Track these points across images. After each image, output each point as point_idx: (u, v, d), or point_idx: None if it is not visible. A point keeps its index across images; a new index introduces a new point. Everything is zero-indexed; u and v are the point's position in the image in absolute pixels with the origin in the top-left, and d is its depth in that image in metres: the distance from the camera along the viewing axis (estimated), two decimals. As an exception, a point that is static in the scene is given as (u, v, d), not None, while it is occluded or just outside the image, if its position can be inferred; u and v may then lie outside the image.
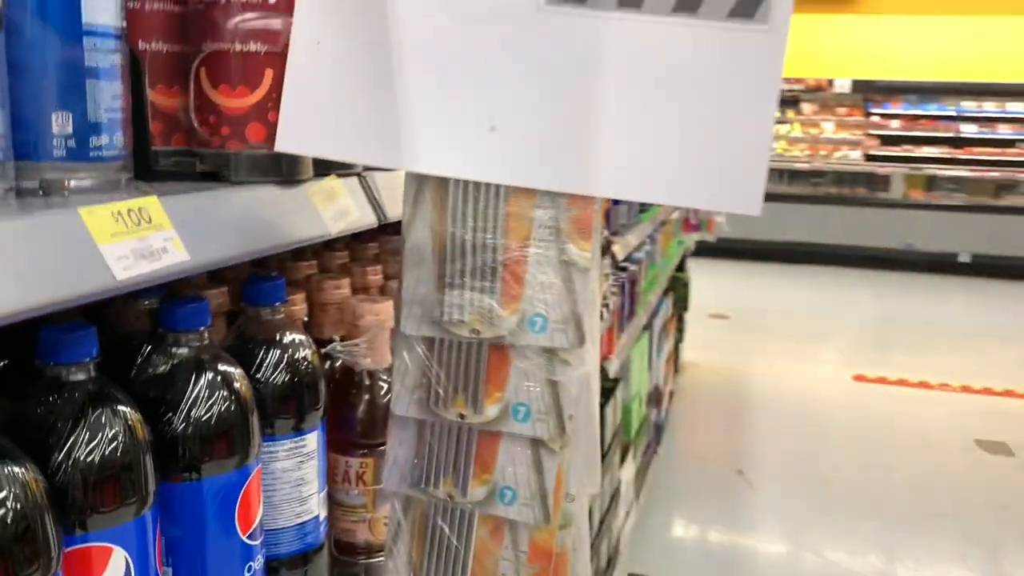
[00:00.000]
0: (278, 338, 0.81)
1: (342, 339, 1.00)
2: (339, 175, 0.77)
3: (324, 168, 0.76)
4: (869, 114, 9.53)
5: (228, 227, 0.62)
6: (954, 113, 9.38)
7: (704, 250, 5.57)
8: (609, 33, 0.67)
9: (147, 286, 0.52)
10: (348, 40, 0.68)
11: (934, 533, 3.33)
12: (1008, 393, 4.96)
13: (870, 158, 9.26)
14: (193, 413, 0.69)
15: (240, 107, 0.67)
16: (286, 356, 0.81)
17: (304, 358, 0.82)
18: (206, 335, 0.71)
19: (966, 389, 5.02)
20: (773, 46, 0.65)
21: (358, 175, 0.82)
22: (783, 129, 9.50)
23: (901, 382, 5.14)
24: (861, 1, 8.65)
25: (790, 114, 9.59)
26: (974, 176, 8.45)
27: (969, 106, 9.35)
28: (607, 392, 2.58)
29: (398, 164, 0.68)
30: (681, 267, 4.80)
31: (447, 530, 0.75)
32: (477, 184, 0.69)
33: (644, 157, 0.67)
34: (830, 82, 9.45)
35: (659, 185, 0.67)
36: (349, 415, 0.92)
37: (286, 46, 0.67)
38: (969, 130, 9.28)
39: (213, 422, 0.69)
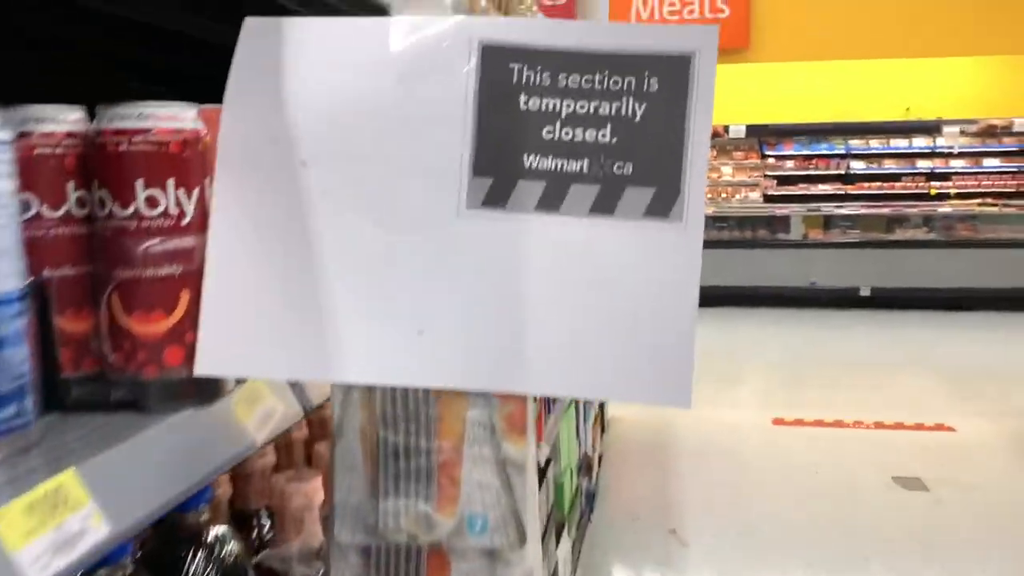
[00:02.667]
0: (203, 538, 0.78)
1: (268, 511, 0.97)
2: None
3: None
4: (764, 156, 9.92)
5: (150, 478, 0.59)
6: (843, 151, 9.85)
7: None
8: (530, 235, 0.67)
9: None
10: (266, 253, 0.67)
11: (862, 577, 3.41)
12: (918, 426, 5.15)
13: (769, 199, 9.62)
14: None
15: (156, 332, 0.65)
16: (212, 559, 0.78)
17: (231, 555, 0.79)
18: (128, 564, 0.68)
19: (879, 425, 5.19)
20: (689, 243, 0.67)
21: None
22: (686, 175, 9.75)
23: (818, 422, 5.29)
24: (750, 51, 9.05)
25: (691, 160, 9.86)
26: (867, 213, 8.85)
27: (857, 144, 9.84)
28: (539, 474, 2.58)
29: (326, 378, 0.67)
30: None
31: None
32: (407, 389, 0.68)
33: (572, 353, 0.67)
34: (726, 128, 9.81)
35: (588, 380, 0.68)
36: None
37: (202, 264, 0.66)
38: (858, 166, 9.76)
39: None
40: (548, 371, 0.68)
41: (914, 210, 8.80)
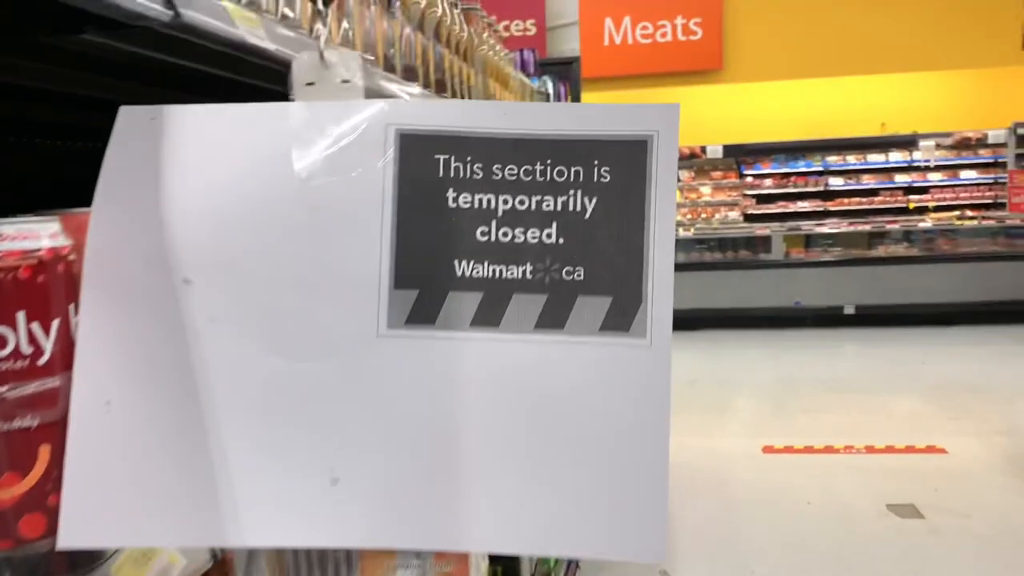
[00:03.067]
0: None
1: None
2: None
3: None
4: (743, 175, 9.89)
5: None
6: (821, 168, 9.85)
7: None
8: (466, 357, 0.56)
9: None
10: (144, 394, 0.55)
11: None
12: (909, 449, 5.06)
13: (748, 217, 9.59)
14: None
15: (8, 498, 0.53)
16: None
17: None
18: None
19: (870, 449, 5.09)
20: (655, 362, 0.55)
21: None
22: (665, 197, 9.71)
23: (808, 449, 5.18)
24: (724, 71, 9.04)
25: (670, 182, 9.83)
26: (848, 231, 8.82)
27: (834, 160, 9.85)
28: None
29: (222, 542, 0.55)
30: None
31: None
32: (323, 549, 0.57)
33: (520, 502, 0.56)
34: (703, 149, 9.79)
35: (540, 534, 0.56)
36: None
37: (66, 411, 0.54)
38: (837, 183, 9.76)
39: None
40: (492, 524, 0.56)
41: (895, 225, 8.77)
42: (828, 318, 8.31)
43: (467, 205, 0.56)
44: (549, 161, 0.56)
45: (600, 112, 0.56)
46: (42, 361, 0.54)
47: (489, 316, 0.56)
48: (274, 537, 0.56)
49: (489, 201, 0.56)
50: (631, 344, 0.55)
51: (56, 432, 0.54)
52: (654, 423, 0.55)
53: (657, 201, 0.55)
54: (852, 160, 9.82)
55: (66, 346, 0.55)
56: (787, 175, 9.88)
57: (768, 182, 9.86)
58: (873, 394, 6.33)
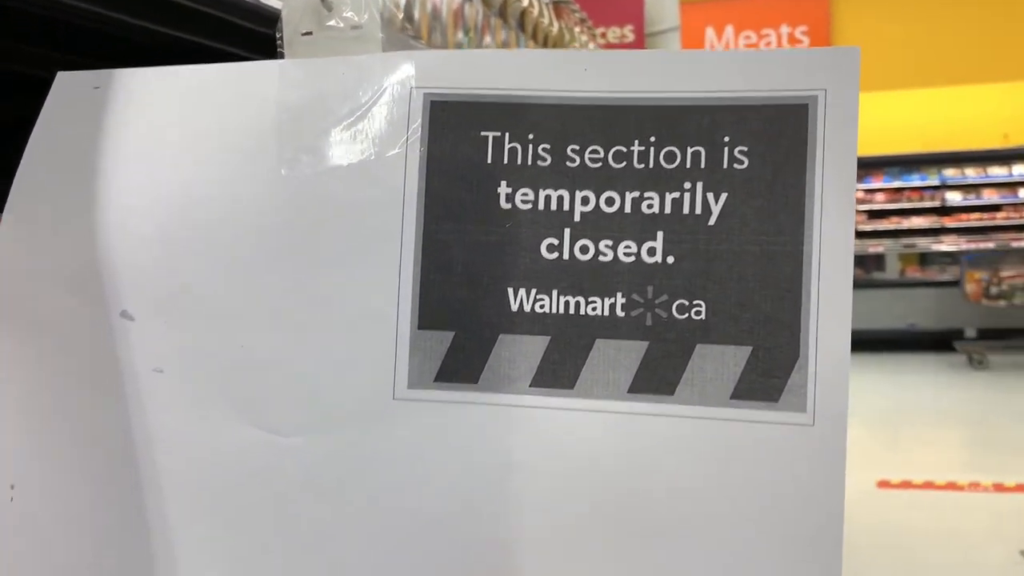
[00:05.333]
0: None
1: None
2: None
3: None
4: (852, 190, 9.44)
5: None
6: (938, 182, 9.31)
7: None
8: (521, 432, 0.37)
9: None
10: (63, 478, 0.39)
11: None
12: (1044, 489, 4.59)
13: (860, 234, 9.11)
14: None
15: None
16: None
17: None
18: None
19: (999, 488, 4.65)
20: (821, 449, 0.35)
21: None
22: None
23: (928, 484, 4.77)
24: (831, 82, 8.61)
25: (773, 198, 9.48)
26: (967, 249, 8.25)
27: (952, 174, 9.29)
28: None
29: None
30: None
31: None
32: None
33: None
34: (809, 163, 9.38)
35: None
36: None
37: (-51, 500, 0.37)
38: (954, 198, 9.19)
39: None
40: None
41: (1020, 243, 8.17)
42: (946, 342, 7.75)
43: (528, 205, 0.38)
44: (653, 139, 0.37)
45: (737, 62, 0.36)
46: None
47: (559, 373, 0.37)
48: None
49: (561, 200, 0.37)
50: (783, 421, 0.36)
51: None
52: (822, 545, 0.35)
53: (824, 196, 0.35)
54: (971, 174, 9.25)
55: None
56: (900, 189, 9.36)
57: (880, 196, 9.36)
58: (996, 425, 5.84)
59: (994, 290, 7.66)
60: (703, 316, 0.37)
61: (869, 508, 4.59)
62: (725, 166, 0.37)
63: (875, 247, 8.53)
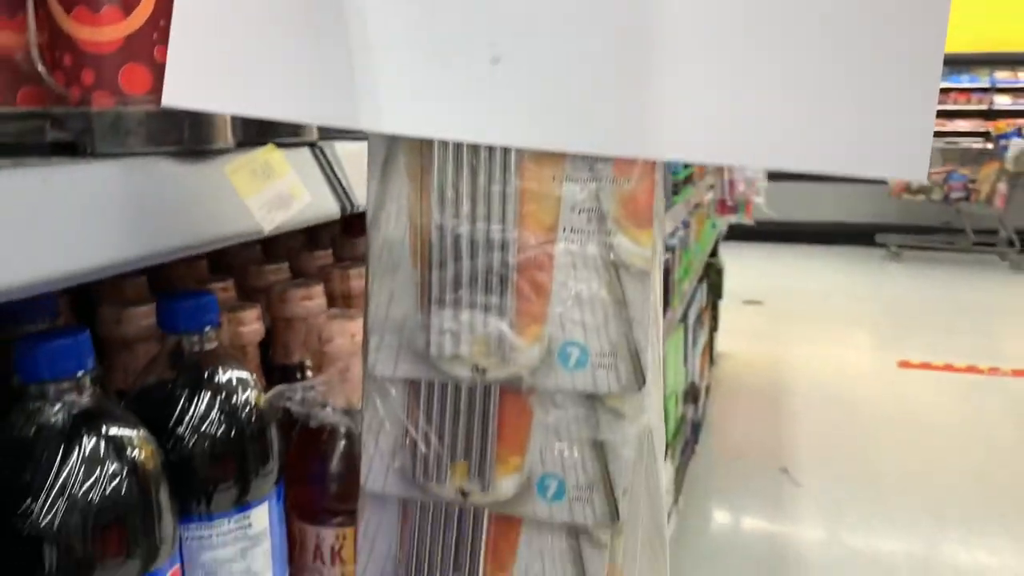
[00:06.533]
0: (208, 377, 0.58)
1: (309, 368, 0.78)
2: (280, 144, 0.54)
3: (258, 135, 0.53)
4: (898, 88, 9.21)
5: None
6: (987, 84, 9.05)
7: (731, 233, 5.30)
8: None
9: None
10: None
11: (997, 534, 3.06)
12: (1064, 377, 4.67)
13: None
14: (61, 501, 0.46)
15: (108, 41, 0.44)
16: (219, 403, 0.58)
17: (245, 403, 0.59)
18: (87, 382, 0.49)
19: (1018, 373, 4.72)
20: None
21: (311, 144, 0.59)
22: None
23: (948, 367, 4.86)
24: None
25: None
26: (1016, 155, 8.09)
27: (1004, 76, 9.02)
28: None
29: (352, 123, 0.45)
30: (714, 252, 4.54)
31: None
32: (475, 148, 0.46)
33: (741, 102, 0.43)
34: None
35: (772, 145, 0.43)
36: (319, 471, 0.69)
37: (177, -57, 0.44)
38: (1003, 101, 8.95)
39: (93, 511, 0.47)
40: (698, 129, 0.43)
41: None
42: (983, 241, 7.72)
43: None
44: None
45: None
46: None
47: None
48: (416, 124, 0.45)
49: None
50: None
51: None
52: (932, 29, 0.41)
53: None
54: (1024, 78, 8.95)
55: None
56: (946, 91, 9.09)
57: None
58: (904, 312, 5.88)
59: (915, 184, 7.58)
60: None
61: (887, 384, 4.69)
62: None
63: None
